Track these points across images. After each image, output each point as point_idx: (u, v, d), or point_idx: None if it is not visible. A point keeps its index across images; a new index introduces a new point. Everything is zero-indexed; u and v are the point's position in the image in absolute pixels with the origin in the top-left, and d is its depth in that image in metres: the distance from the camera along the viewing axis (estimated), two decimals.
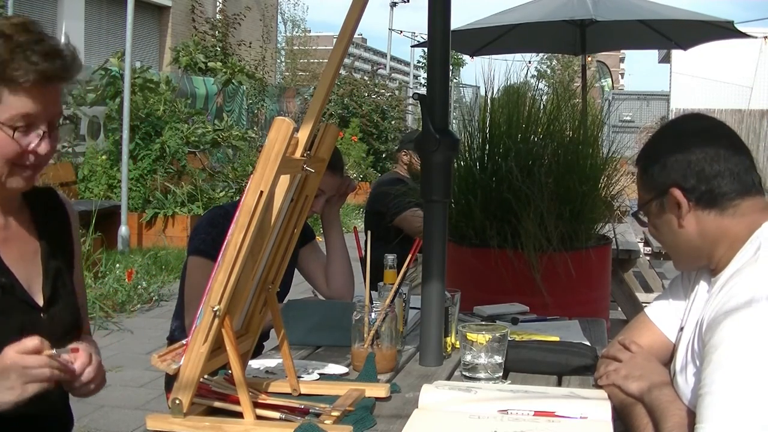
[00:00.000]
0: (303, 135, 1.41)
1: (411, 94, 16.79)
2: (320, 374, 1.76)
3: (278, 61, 22.06)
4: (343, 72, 14.23)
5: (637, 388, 1.53)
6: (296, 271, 2.73)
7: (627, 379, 1.56)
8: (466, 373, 1.75)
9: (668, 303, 1.65)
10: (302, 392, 1.60)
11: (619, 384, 1.57)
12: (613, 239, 3.33)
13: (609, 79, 19.91)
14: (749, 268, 1.40)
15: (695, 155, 1.47)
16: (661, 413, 1.42)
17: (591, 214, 3.00)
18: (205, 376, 1.46)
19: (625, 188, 3.33)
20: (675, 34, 6.14)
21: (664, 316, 1.64)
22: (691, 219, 1.48)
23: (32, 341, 1.42)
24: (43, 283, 1.65)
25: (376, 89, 15.32)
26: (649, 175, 1.54)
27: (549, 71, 34.87)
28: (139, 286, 6.35)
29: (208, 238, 2.39)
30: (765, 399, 1.24)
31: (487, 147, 3.08)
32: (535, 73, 28.62)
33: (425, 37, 2.05)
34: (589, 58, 7.78)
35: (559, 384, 1.76)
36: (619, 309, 5.16)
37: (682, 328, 1.57)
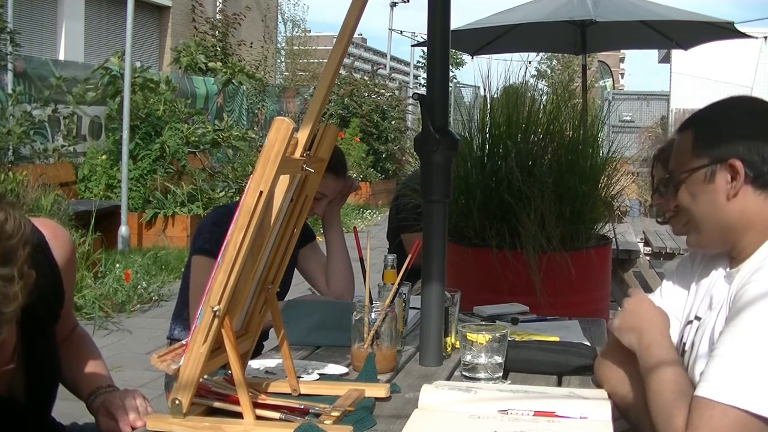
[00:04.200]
0: (303, 135, 1.41)
1: (411, 94, 16.77)
2: (320, 374, 1.76)
3: (278, 61, 22.05)
4: (343, 72, 14.21)
5: (628, 341, 1.53)
6: (296, 271, 2.73)
7: (620, 331, 1.55)
8: (466, 373, 1.75)
9: (663, 301, 1.64)
10: (302, 392, 1.60)
11: (614, 334, 1.57)
12: (613, 239, 3.33)
13: (610, 80, 19.90)
14: None
15: (764, 136, 1.46)
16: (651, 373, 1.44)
17: (591, 214, 3.00)
18: (205, 377, 1.46)
19: (625, 188, 3.33)
20: (675, 34, 6.14)
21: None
22: (741, 195, 1.46)
23: None
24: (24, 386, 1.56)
25: (376, 89, 15.30)
26: (706, 141, 1.50)
27: (549, 71, 34.84)
28: (139, 286, 6.35)
29: (212, 238, 2.40)
30: None
31: (487, 147, 3.08)
32: (535, 73, 28.63)
33: (425, 37, 2.05)
34: (590, 58, 7.78)
35: (559, 384, 1.76)
36: (619, 309, 5.15)
37: (690, 322, 1.56)
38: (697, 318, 1.55)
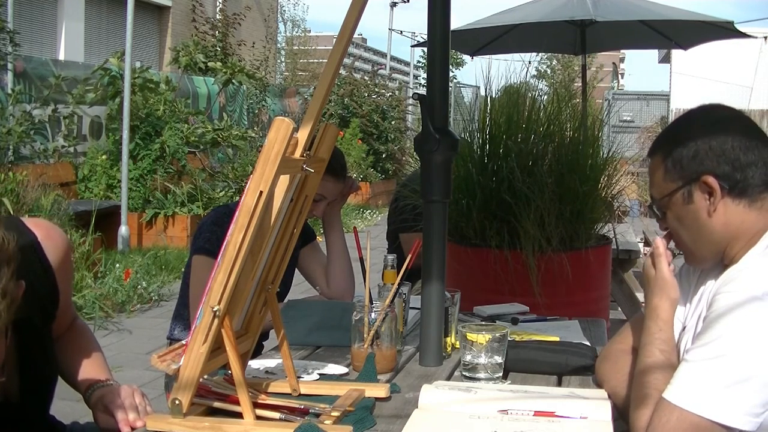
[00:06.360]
0: (303, 135, 1.41)
1: (411, 94, 16.77)
2: (320, 374, 1.76)
3: (278, 61, 22.04)
4: (343, 72, 14.22)
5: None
6: (296, 271, 2.73)
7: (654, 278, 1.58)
8: (466, 373, 1.75)
9: None
10: (302, 392, 1.60)
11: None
12: (613, 239, 3.33)
13: (616, 80, 19.93)
14: (756, 261, 1.42)
15: (730, 143, 1.45)
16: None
17: (591, 214, 3.00)
18: (205, 377, 1.46)
19: (625, 188, 3.32)
20: (675, 34, 6.14)
21: None
22: (721, 208, 1.46)
23: None
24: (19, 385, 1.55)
25: (376, 89, 15.30)
26: (675, 164, 1.49)
27: (549, 71, 34.83)
28: (139, 286, 6.35)
29: (213, 237, 2.40)
30: (737, 376, 1.29)
31: (487, 147, 3.08)
32: (535, 73, 28.61)
33: (425, 37, 2.05)
34: (590, 58, 7.78)
35: (559, 384, 1.76)
36: (619, 309, 5.15)
37: (684, 328, 1.57)
38: (685, 327, 1.57)
